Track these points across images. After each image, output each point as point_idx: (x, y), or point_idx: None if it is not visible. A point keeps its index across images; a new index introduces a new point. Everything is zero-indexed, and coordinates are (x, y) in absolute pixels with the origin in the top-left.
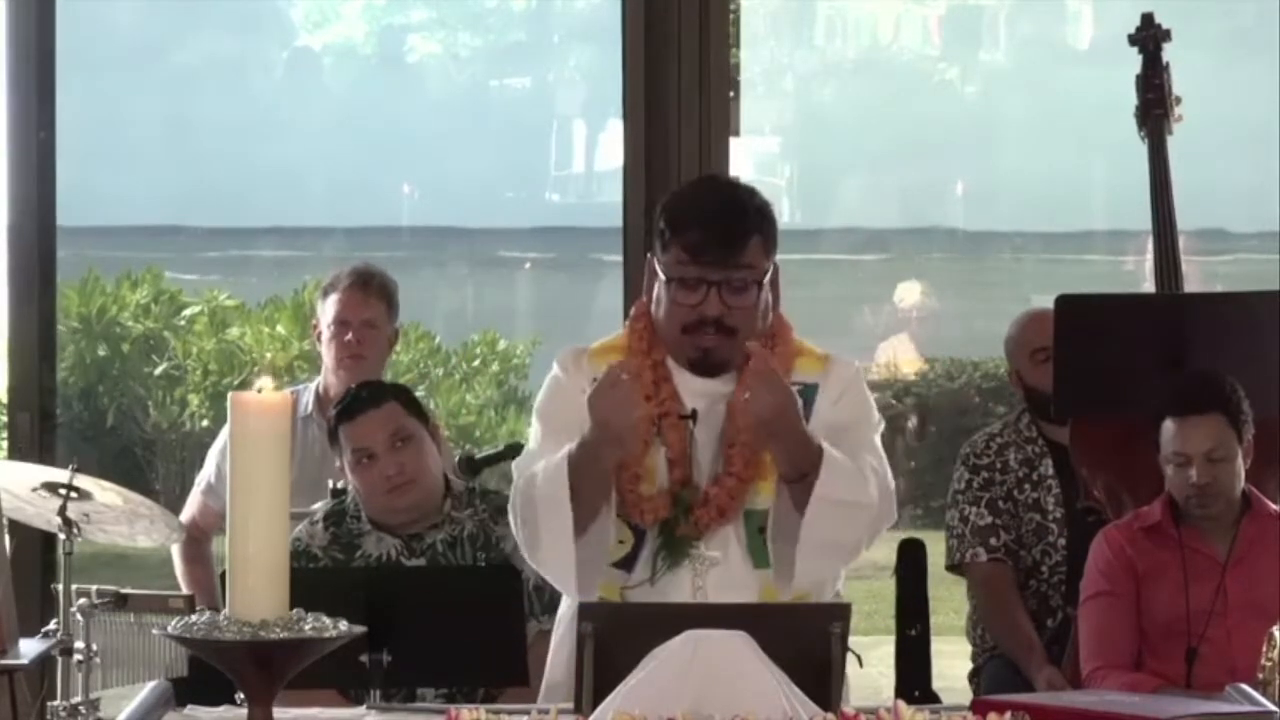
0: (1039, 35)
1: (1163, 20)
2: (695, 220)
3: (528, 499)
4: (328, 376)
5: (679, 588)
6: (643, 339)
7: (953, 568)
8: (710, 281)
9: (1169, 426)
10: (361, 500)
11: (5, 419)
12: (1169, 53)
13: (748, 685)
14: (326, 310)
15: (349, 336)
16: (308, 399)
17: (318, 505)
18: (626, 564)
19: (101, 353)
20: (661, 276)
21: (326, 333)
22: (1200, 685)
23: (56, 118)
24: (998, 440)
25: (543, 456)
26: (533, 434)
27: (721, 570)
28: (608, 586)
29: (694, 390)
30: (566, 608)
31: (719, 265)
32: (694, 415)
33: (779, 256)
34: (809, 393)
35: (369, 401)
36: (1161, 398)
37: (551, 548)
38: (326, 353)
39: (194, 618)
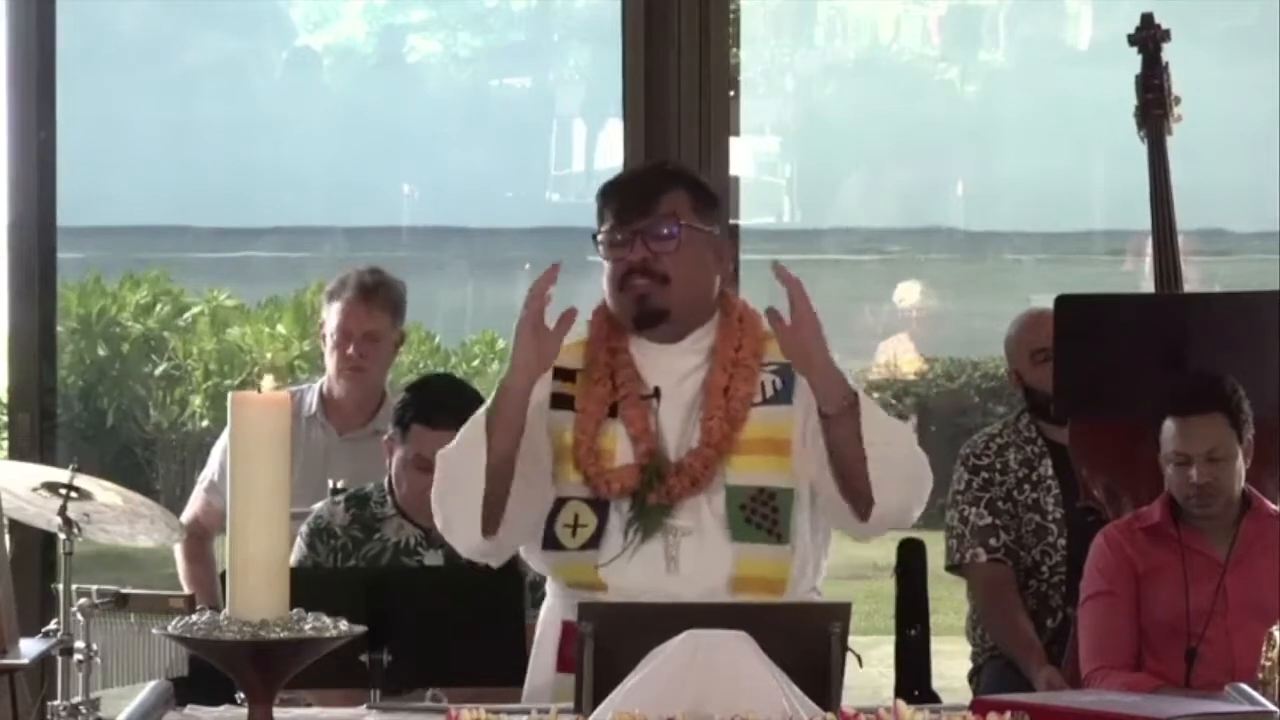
0: (1039, 35)
1: (1163, 20)
2: (615, 187)
3: (443, 464)
4: (331, 380)
5: (653, 561)
6: (600, 328)
7: (952, 568)
8: (634, 231)
9: (1169, 426)
10: (399, 493)
11: (5, 419)
12: (1169, 53)
13: (748, 685)
14: (330, 316)
15: (350, 349)
16: (311, 399)
17: (318, 505)
18: (593, 543)
19: (101, 353)
20: (600, 250)
21: (329, 339)
22: (1200, 685)
23: (57, 118)
24: (997, 441)
25: None
26: None
27: (695, 542)
28: (580, 569)
29: (659, 368)
30: (547, 611)
31: (639, 215)
32: (657, 393)
33: (782, 256)
34: (787, 371)
35: (452, 418)
36: (1162, 398)
37: (463, 491)
38: (329, 359)
39: (194, 618)
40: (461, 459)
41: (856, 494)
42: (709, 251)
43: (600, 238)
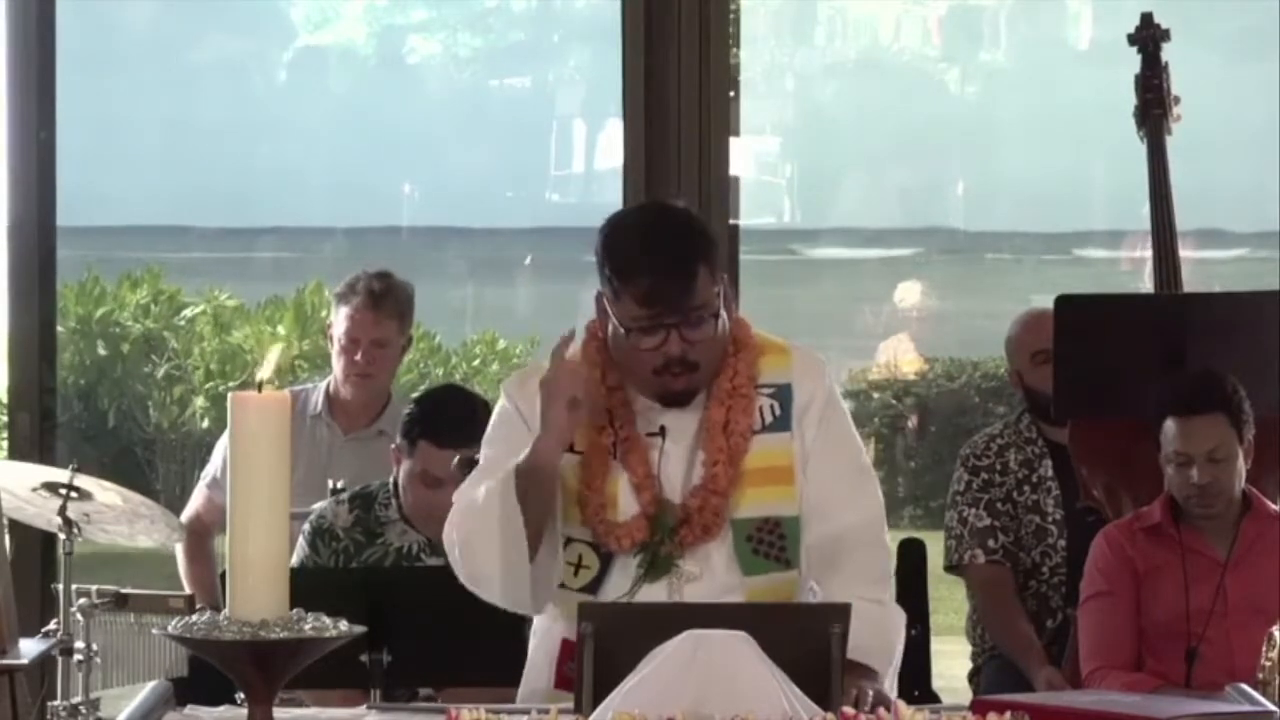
0: (1039, 35)
1: (1166, 21)
2: (642, 271)
3: (470, 517)
4: (337, 381)
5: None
6: (595, 365)
7: (951, 568)
8: (668, 325)
9: (1170, 426)
10: (406, 504)
11: (5, 419)
12: (1169, 52)
13: (748, 685)
14: (339, 320)
15: (358, 356)
16: (317, 398)
17: (318, 505)
18: (593, 587)
19: (101, 353)
20: (615, 322)
21: (337, 343)
22: (1200, 685)
23: (57, 118)
24: (998, 441)
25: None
26: (480, 463)
27: (706, 582)
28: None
29: (657, 406)
30: (546, 627)
31: (674, 310)
32: (663, 431)
33: (782, 257)
34: (784, 393)
35: (461, 437)
36: (1163, 397)
37: (502, 562)
38: (336, 363)
39: (194, 618)
40: (492, 525)
41: None
42: (724, 306)
43: (624, 321)
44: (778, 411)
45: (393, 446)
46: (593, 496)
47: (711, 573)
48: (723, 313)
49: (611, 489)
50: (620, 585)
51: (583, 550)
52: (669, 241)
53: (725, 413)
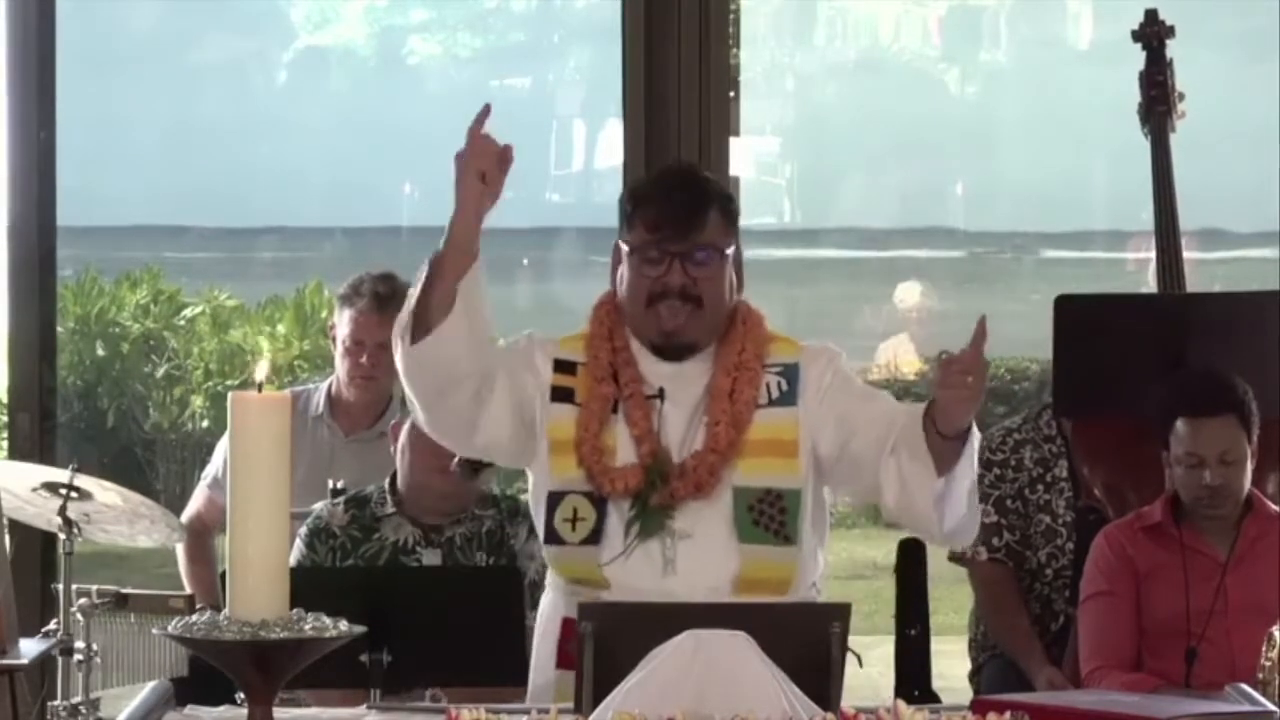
0: (1039, 35)
1: (1170, 20)
2: (656, 197)
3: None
4: (340, 383)
5: (651, 562)
6: (604, 324)
7: (954, 558)
8: (672, 253)
9: (1182, 427)
10: (401, 475)
11: (5, 419)
12: (1174, 51)
13: (748, 685)
14: (343, 322)
15: (363, 359)
16: (319, 399)
17: (317, 505)
18: (594, 538)
19: (101, 353)
20: (625, 250)
21: (340, 345)
22: (1200, 685)
23: (57, 118)
24: (1014, 436)
25: None
26: None
27: (693, 545)
28: (581, 565)
29: (660, 373)
30: (548, 608)
31: (680, 238)
32: (662, 394)
33: (782, 256)
34: (791, 372)
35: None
36: (1171, 398)
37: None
38: (340, 365)
39: (194, 618)
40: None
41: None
42: (731, 269)
43: (630, 248)
44: (784, 387)
45: (392, 423)
46: (590, 439)
47: (707, 535)
48: (730, 267)
49: (609, 439)
50: (616, 540)
51: (577, 502)
52: (686, 179)
53: (731, 383)
